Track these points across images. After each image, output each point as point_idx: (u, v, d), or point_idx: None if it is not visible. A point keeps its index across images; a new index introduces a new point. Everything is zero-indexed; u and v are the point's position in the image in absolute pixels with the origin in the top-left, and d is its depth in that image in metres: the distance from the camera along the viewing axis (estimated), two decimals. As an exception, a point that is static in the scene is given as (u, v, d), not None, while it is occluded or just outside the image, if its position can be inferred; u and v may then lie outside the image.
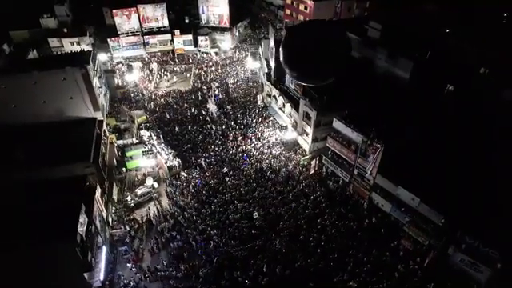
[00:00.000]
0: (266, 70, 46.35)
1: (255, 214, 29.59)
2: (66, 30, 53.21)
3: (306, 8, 60.92)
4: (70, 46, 51.98)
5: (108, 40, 53.90)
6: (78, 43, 51.98)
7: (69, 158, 28.68)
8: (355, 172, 31.47)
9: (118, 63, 54.32)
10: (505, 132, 27.40)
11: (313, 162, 34.80)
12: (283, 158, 37.21)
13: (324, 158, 34.29)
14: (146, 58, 55.78)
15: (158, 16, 55.69)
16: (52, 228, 19.87)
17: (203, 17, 59.06)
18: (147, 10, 54.87)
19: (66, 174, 28.13)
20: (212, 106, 42.28)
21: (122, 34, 54.61)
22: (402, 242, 27.91)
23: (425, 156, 27.43)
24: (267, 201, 31.68)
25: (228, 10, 57.44)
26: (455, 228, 25.05)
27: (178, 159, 34.71)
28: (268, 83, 43.93)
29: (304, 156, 37.01)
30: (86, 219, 22.20)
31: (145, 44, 55.99)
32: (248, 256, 26.81)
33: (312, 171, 34.93)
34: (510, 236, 22.71)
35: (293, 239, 28.19)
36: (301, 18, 63.45)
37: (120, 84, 47.94)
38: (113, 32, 54.83)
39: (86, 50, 41.96)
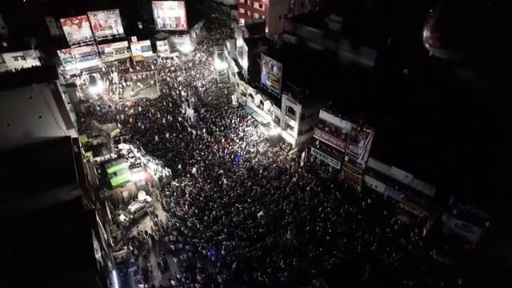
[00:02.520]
0: (236, 70, 46.31)
1: (260, 214, 29.58)
2: (5, 44, 47.94)
3: (260, 6, 61.78)
4: (13, 61, 46.85)
5: (58, 52, 49.53)
6: (23, 57, 47.11)
7: (50, 182, 26.04)
8: (346, 158, 32.95)
9: (72, 76, 50.26)
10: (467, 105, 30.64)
11: (302, 155, 35.67)
12: (271, 154, 37.62)
13: (313, 149, 35.34)
14: (104, 68, 52.33)
15: (111, 23, 52.50)
16: (68, 259, 18.04)
17: (159, 21, 57.01)
18: (99, 18, 51.46)
19: (51, 201, 25.61)
20: (189, 111, 41.18)
21: (74, 44, 50.56)
22: (400, 218, 29.95)
23: (409, 136, 29.56)
24: (266, 198, 31.85)
25: (185, 12, 56.11)
26: (447, 196, 27.58)
27: (167, 169, 33.32)
28: (242, 82, 43.94)
29: (291, 150, 37.76)
30: (98, 244, 20.50)
31: (100, 53, 52.43)
32: (262, 255, 26.79)
33: (302, 163, 35.79)
34: (496, 196, 25.51)
35: (300, 231, 28.75)
36: (256, 15, 64.30)
37: (82, 98, 44.50)
38: (60, 43, 50.47)
39: (33, 64, 38.18)
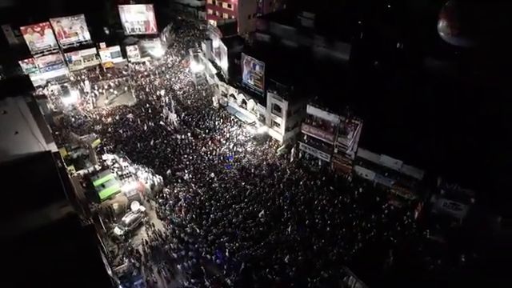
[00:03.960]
0: (215, 71, 45.92)
1: (261, 213, 29.62)
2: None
3: (229, 6, 61.63)
4: (-31, 75, 43.35)
5: (20, 62, 46.34)
6: (-20, 70, 43.73)
7: (36, 202, 24.38)
8: (335, 151, 33.84)
9: (37, 87, 47.16)
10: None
11: (292, 150, 36.14)
12: (260, 153, 37.77)
13: (301, 144, 35.92)
14: (72, 77, 49.66)
15: (76, 29, 49.89)
16: (80, 281, 16.99)
17: (127, 25, 55.02)
18: (63, 24, 48.72)
19: (40, 222, 23.99)
20: (171, 116, 40.22)
21: (37, 53, 47.53)
22: (391, 203, 31.30)
23: (394, 124, 30.94)
24: (262, 196, 31.96)
25: (153, 15, 54.67)
26: (435, 178, 29.23)
27: (158, 176, 32.37)
28: (222, 83, 43.61)
29: (279, 147, 38.11)
30: (106, 260, 19.54)
31: (67, 62, 49.67)
32: (267, 253, 26.89)
33: (292, 159, 36.26)
34: (480, 175, 27.42)
35: (301, 226, 29.16)
36: (225, 16, 64.05)
37: (54, 109, 42.00)
38: (21, 52, 47.22)
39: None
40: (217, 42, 44.61)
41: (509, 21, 24.70)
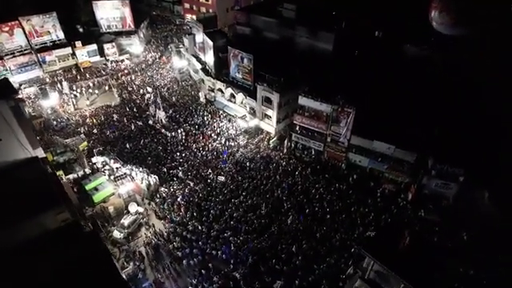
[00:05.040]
0: (199, 66, 45.23)
1: (263, 207, 29.71)
2: None
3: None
4: None
5: (-11, 65, 43.64)
6: None
7: (29, 211, 23.26)
8: (328, 139, 34.41)
9: (11, 91, 44.53)
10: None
11: (285, 142, 36.39)
12: (252, 146, 37.77)
13: (294, 135, 36.23)
14: (48, 79, 47.28)
15: (49, 28, 47.43)
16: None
17: (102, 22, 52.92)
18: (34, 23, 46.13)
19: (37, 231, 22.94)
20: (159, 113, 39.29)
21: (7, 55, 44.84)
22: (385, 186, 32.33)
23: (384, 111, 31.77)
24: (260, 189, 32.06)
25: (130, 10, 52.91)
26: (426, 160, 30.45)
27: (153, 175, 31.67)
28: (208, 78, 43.02)
29: (270, 139, 38.25)
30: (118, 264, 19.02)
31: (40, 63, 47.19)
32: (272, 244, 27.10)
33: (285, 150, 36.54)
34: (467, 154, 28.84)
35: (302, 215, 29.55)
36: (203, 9, 63.04)
37: (33, 113, 39.90)
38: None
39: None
40: (200, 37, 43.87)
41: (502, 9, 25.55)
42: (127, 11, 53.00)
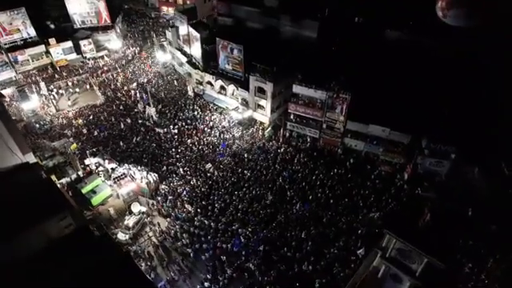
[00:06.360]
0: (185, 59, 44.21)
1: (270, 198, 29.83)
2: None
3: (184, -9, 59.08)
4: None
5: (-44, 68, 40.46)
6: None
7: (29, 220, 22.13)
8: (324, 126, 34.90)
9: (-18, 94, 41.67)
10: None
11: (281, 131, 36.54)
12: (248, 137, 37.65)
13: (289, 123, 36.43)
14: (22, 80, 44.50)
15: (18, 25, 44.51)
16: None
17: (76, 17, 50.23)
18: (1, 20, 43.12)
19: (41, 240, 21.90)
20: (149, 110, 38.18)
21: (-25, 56, 41.82)
22: (382, 168, 33.37)
23: (374, 95, 32.43)
24: (262, 179, 32.15)
25: (105, 4, 50.56)
26: (419, 140, 31.66)
27: (153, 173, 30.91)
28: (196, 71, 42.16)
29: (265, 129, 38.27)
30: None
31: (12, 63, 44.28)
32: (281, 232, 27.38)
33: (281, 139, 36.72)
34: (458, 132, 30.21)
35: (307, 202, 29.99)
36: (180, 2, 61.46)
37: (13, 117, 37.49)
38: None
39: None
40: (184, 29, 42.76)
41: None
42: (102, 5, 50.64)
